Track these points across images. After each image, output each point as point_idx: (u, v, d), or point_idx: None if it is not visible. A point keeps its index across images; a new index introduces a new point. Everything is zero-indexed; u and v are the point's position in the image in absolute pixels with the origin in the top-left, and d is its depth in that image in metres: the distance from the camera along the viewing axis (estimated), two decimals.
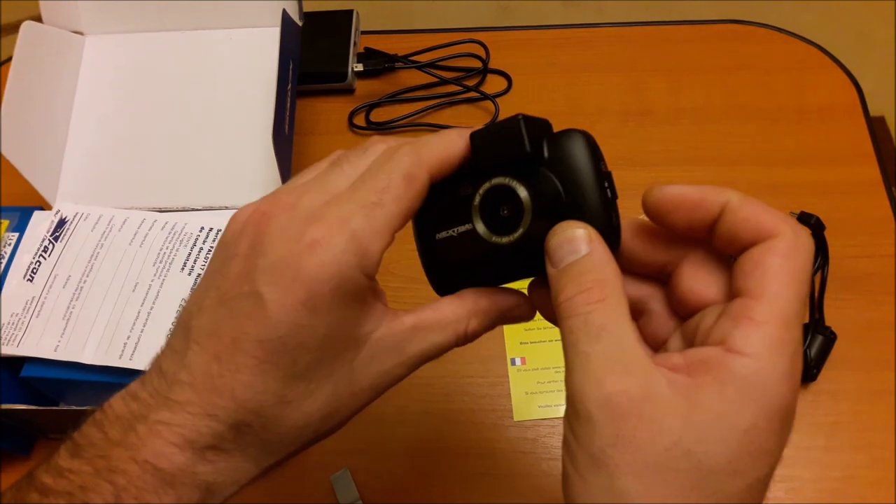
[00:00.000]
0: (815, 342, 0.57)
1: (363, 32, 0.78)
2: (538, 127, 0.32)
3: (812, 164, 0.68)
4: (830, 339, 0.58)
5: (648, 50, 0.76)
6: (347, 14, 0.76)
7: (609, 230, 0.31)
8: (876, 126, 0.72)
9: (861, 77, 0.74)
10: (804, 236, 0.28)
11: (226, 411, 0.30)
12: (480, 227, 0.33)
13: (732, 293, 0.28)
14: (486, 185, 0.33)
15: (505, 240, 0.32)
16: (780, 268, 0.27)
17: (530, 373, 0.59)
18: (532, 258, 0.32)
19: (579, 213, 0.31)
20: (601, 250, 0.30)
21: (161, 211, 0.57)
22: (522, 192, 0.32)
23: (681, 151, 0.69)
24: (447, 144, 0.32)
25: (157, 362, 0.32)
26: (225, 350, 0.30)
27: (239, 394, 0.30)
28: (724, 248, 0.30)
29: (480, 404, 0.58)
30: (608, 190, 0.31)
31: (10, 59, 0.59)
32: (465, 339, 0.33)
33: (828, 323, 0.59)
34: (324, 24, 0.76)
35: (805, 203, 0.61)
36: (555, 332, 0.60)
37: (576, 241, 0.30)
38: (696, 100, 0.72)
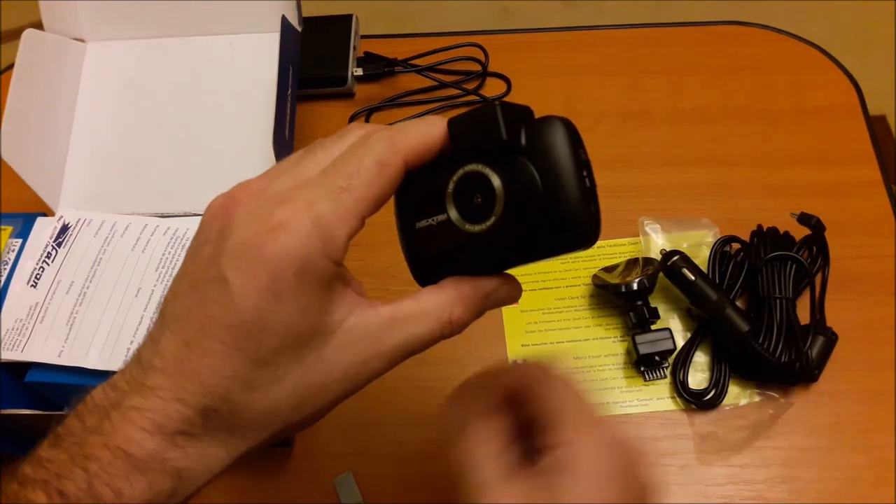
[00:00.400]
0: (817, 343, 0.57)
1: (363, 36, 0.78)
2: (517, 114, 0.31)
3: (812, 165, 0.68)
4: (832, 339, 0.58)
5: (647, 51, 0.76)
6: (347, 19, 0.77)
7: (587, 220, 0.30)
8: (876, 125, 0.72)
9: (861, 76, 0.74)
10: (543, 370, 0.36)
11: (194, 396, 0.30)
12: (454, 215, 0.32)
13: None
14: (460, 172, 0.32)
15: (477, 228, 0.32)
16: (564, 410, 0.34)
17: None
18: (507, 247, 0.32)
19: (556, 202, 0.30)
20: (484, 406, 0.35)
21: (163, 216, 0.58)
22: (496, 180, 0.31)
23: (680, 153, 0.69)
24: (425, 131, 0.32)
25: (138, 351, 0.32)
26: (194, 335, 0.30)
27: (206, 378, 0.30)
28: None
29: None
30: (587, 179, 0.30)
31: (10, 66, 0.60)
32: (451, 327, 0.33)
33: (829, 324, 0.59)
34: (323, 28, 0.76)
35: (805, 204, 0.62)
36: (556, 334, 0.61)
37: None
38: (696, 101, 0.73)
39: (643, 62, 0.76)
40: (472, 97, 0.73)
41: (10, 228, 0.56)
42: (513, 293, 0.34)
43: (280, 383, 0.30)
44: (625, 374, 0.59)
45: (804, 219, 0.60)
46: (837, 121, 0.71)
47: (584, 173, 0.30)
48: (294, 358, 0.30)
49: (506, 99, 0.73)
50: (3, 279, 0.54)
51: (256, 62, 0.65)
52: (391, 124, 0.71)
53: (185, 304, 0.31)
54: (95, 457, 0.30)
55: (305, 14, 0.66)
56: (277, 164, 0.33)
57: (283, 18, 0.62)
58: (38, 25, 0.64)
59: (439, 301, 0.32)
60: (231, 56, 0.67)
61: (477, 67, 0.74)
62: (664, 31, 0.78)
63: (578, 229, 0.30)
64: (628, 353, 0.59)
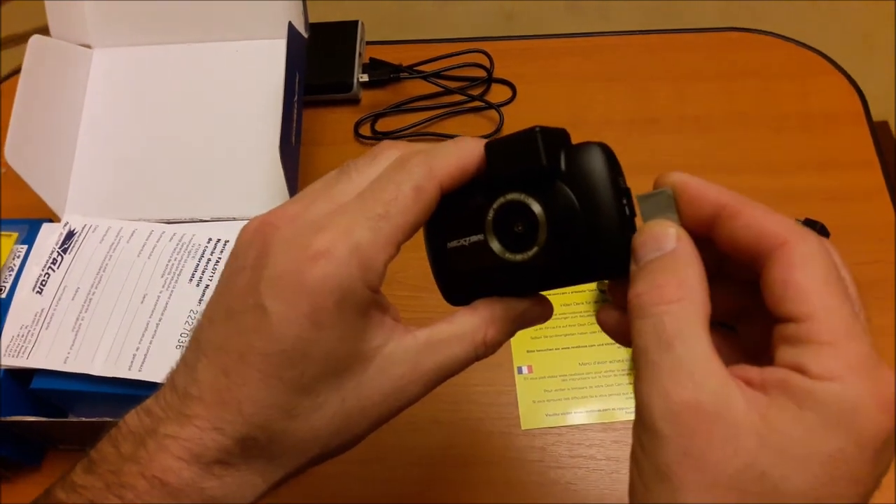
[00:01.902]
0: None
1: (368, 43, 0.78)
2: (556, 138, 0.31)
3: (816, 171, 0.68)
4: None
5: (653, 58, 0.76)
6: (352, 25, 0.77)
7: (623, 249, 0.30)
8: (880, 130, 0.72)
9: (865, 81, 0.74)
10: (811, 237, 0.27)
11: (232, 425, 0.30)
12: (495, 245, 0.32)
13: (773, 317, 0.27)
14: (501, 201, 0.32)
15: (519, 257, 0.32)
16: (811, 280, 0.26)
17: (537, 381, 0.59)
18: (546, 274, 0.31)
19: (595, 230, 0.30)
20: (687, 250, 0.28)
21: (169, 222, 0.58)
22: (537, 209, 0.31)
23: (685, 159, 0.69)
24: (461, 155, 0.32)
25: (171, 377, 0.32)
26: (232, 364, 0.30)
27: (245, 408, 0.29)
28: (726, 251, 0.29)
29: (488, 413, 0.58)
30: (626, 207, 0.30)
31: (13, 71, 0.60)
32: (486, 349, 0.33)
33: None
34: (329, 35, 0.76)
35: (809, 209, 0.61)
36: (562, 340, 0.61)
37: (662, 238, 0.28)
38: (701, 107, 0.73)
39: (649, 69, 0.76)
40: (478, 103, 0.73)
41: (15, 234, 0.56)
42: (545, 313, 0.34)
43: (320, 411, 0.30)
44: (630, 380, 0.59)
45: (808, 224, 0.60)
46: (841, 126, 0.71)
47: (624, 201, 0.30)
48: (334, 385, 0.30)
49: (511, 106, 0.73)
50: (9, 286, 0.54)
51: (263, 68, 0.65)
52: (399, 130, 0.70)
53: (222, 333, 0.30)
54: (131, 485, 0.30)
55: (311, 20, 0.67)
56: (311, 187, 0.33)
57: (290, 25, 0.62)
58: (44, 30, 0.64)
59: (473, 323, 0.32)
60: (237, 62, 0.67)
61: (482, 73, 0.74)
62: (669, 38, 0.78)
63: (616, 259, 0.30)
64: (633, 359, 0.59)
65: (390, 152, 0.32)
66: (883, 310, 0.61)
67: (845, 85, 0.73)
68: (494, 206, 0.32)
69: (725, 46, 0.77)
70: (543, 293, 0.34)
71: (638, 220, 0.30)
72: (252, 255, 0.30)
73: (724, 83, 0.74)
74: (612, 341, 0.34)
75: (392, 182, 0.31)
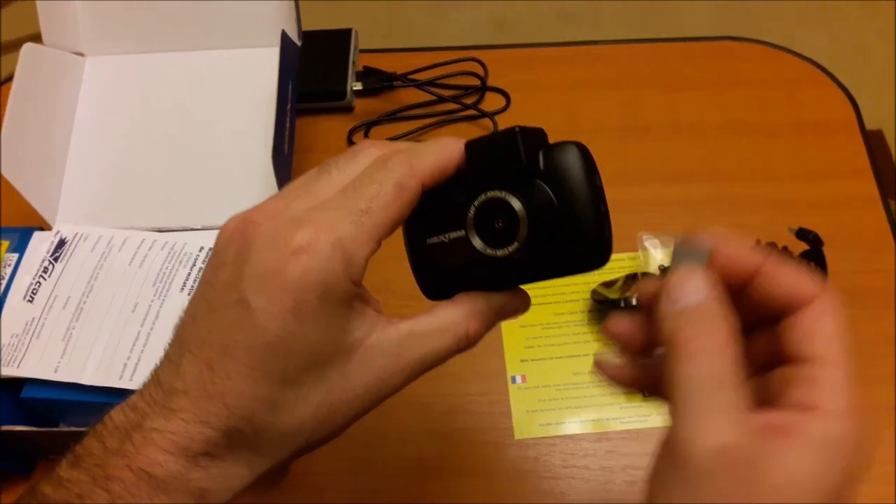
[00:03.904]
0: None
1: (362, 51, 0.78)
2: (534, 138, 0.32)
3: (809, 180, 0.68)
4: None
5: (645, 67, 0.77)
6: (346, 33, 0.77)
7: (601, 244, 0.31)
8: (873, 139, 0.72)
9: (858, 90, 0.74)
10: (835, 293, 0.29)
11: (218, 418, 0.30)
12: (476, 241, 0.33)
13: (780, 358, 0.30)
14: (482, 198, 0.33)
15: (500, 252, 0.32)
16: (834, 331, 0.29)
17: (531, 391, 0.59)
18: (526, 269, 0.32)
19: (574, 225, 0.31)
20: (721, 297, 0.30)
21: (160, 231, 0.57)
22: (517, 205, 0.32)
23: (678, 168, 0.69)
24: (441, 154, 0.32)
25: (155, 373, 0.32)
26: (216, 357, 0.30)
27: (230, 400, 0.30)
28: (753, 305, 0.30)
29: (481, 423, 0.58)
30: (601, 204, 0.32)
31: (5, 79, 0.60)
32: (467, 341, 0.33)
33: None
34: (322, 43, 0.76)
35: (802, 219, 0.62)
36: (555, 349, 0.61)
37: (699, 282, 0.30)
38: (693, 116, 0.73)
39: (641, 77, 0.76)
40: (472, 112, 0.73)
41: (6, 243, 0.56)
42: (524, 305, 0.35)
43: (304, 402, 0.31)
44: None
45: (802, 234, 0.60)
46: (834, 136, 0.71)
47: (599, 197, 0.31)
48: (318, 377, 0.31)
49: (505, 114, 0.73)
50: (0, 294, 0.54)
51: (256, 76, 0.65)
52: (392, 138, 0.70)
53: (205, 328, 0.31)
54: (118, 478, 0.30)
55: (304, 28, 0.67)
56: (291, 185, 0.33)
57: (283, 33, 0.62)
58: (37, 37, 0.64)
59: (455, 316, 0.33)
60: (230, 70, 0.67)
61: (476, 82, 0.74)
62: (662, 47, 0.78)
63: (593, 253, 0.31)
64: None
65: (371, 150, 0.33)
66: (877, 319, 0.61)
67: (838, 94, 0.74)
68: (476, 203, 0.33)
69: (718, 55, 0.77)
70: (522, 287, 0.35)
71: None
72: (233, 252, 0.31)
73: (716, 92, 0.74)
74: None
75: (374, 179, 0.31)
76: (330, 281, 0.29)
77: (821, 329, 0.29)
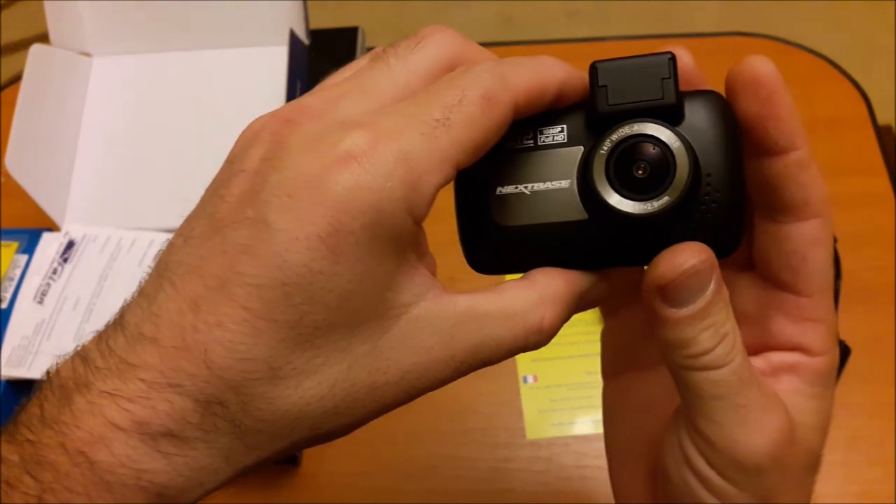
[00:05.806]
0: None
1: (368, 49, 0.78)
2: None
3: (822, 176, 0.67)
4: (845, 352, 0.57)
5: None
6: (352, 31, 0.76)
7: (740, 227, 0.26)
8: (885, 135, 0.72)
9: (869, 86, 0.73)
10: (831, 219, 0.28)
11: (194, 381, 0.21)
12: (605, 190, 0.24)
13: (769, 274, 0.28)
14: (624, 131, 0.24)
15: (639, 210, 0.24)
16: (824, 263, 0.27)
17: (543, 390, 0.59)
18: (662, 234, 0.25)
19: (719, 195, 0.25)
20: (722, 279, 0.25)
21: (169, 232, 0.57)
22: (677, 146, 0.24)
23: None
24: (542, 72, 0.24)
25: (122, 312, 0.23)
26: (206, 294, 0.22)
27: (215, 357, 0.21)
28: (760, 180, 0.26)
29: (493, 423, 0.58)
30: (744, 177, 0.26)
31: (13, 79, 0.60)
32: (539, 336, 0.25)
33: (841, 336, 0.58)
34: (329, 41, 0.76)
35: None
36: (567, 349, 0.60)
37: (702, 274, 0.24)
38: None
39: None
40: None
41: (15, 244, 0.56)
42: (605, 293, 0.27)
43: (316, 375, 0.22)
44: None
45: None
46: (846, 132, 0.70)
47: (742, 169, 0.25)
48: (342, 344, 0.22)
49: None
50: (10, 296, 0.54)
51: (264, 76, 0.65)
52: None
53: (197, 252, 0.22)
54: (50, 462, 0.21)
55: (310, 27, 0.66)
56: (334, 76, 0.26)
57: (291, 32, 0.62)
58: (44, 37, 0.64)
59: (528, 300, 0.25)
60: (238, 69, 0.67)
61: None
62: (670, 43, 0.78)
63: (731, 235, 0.25)
64: None
65: (441, 38, 0.25)
66: (891, 316, 0.60)
67: (850, 89, 0.73)
68: (613, 136, 0.24)
69: (728, 51, 0.77)
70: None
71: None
72: (256, 156, 0.23)
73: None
74: None
75: (453, 84, 0.23)
76: (384, 207, 0.21)
77: (814, 258, 0.27)
